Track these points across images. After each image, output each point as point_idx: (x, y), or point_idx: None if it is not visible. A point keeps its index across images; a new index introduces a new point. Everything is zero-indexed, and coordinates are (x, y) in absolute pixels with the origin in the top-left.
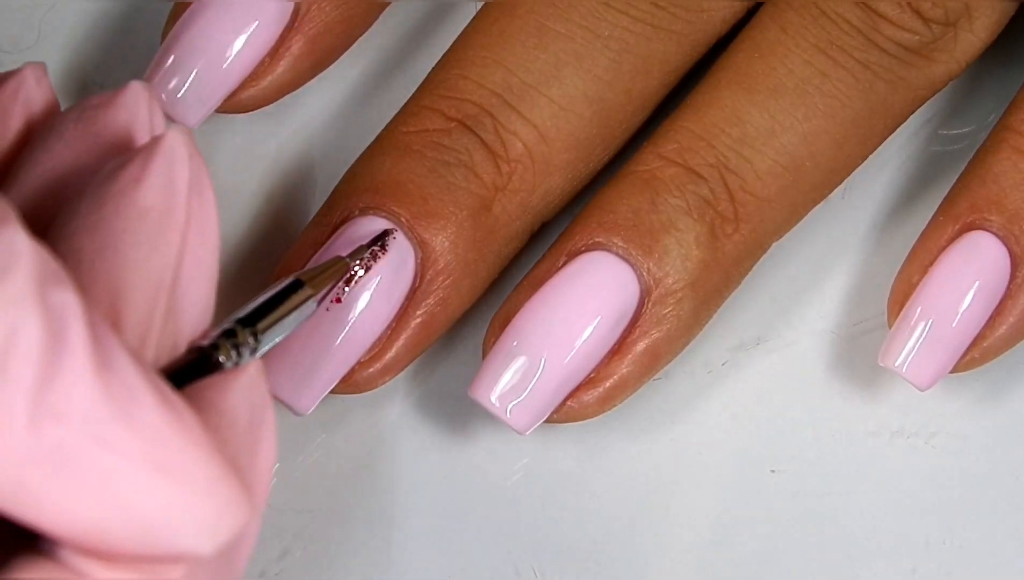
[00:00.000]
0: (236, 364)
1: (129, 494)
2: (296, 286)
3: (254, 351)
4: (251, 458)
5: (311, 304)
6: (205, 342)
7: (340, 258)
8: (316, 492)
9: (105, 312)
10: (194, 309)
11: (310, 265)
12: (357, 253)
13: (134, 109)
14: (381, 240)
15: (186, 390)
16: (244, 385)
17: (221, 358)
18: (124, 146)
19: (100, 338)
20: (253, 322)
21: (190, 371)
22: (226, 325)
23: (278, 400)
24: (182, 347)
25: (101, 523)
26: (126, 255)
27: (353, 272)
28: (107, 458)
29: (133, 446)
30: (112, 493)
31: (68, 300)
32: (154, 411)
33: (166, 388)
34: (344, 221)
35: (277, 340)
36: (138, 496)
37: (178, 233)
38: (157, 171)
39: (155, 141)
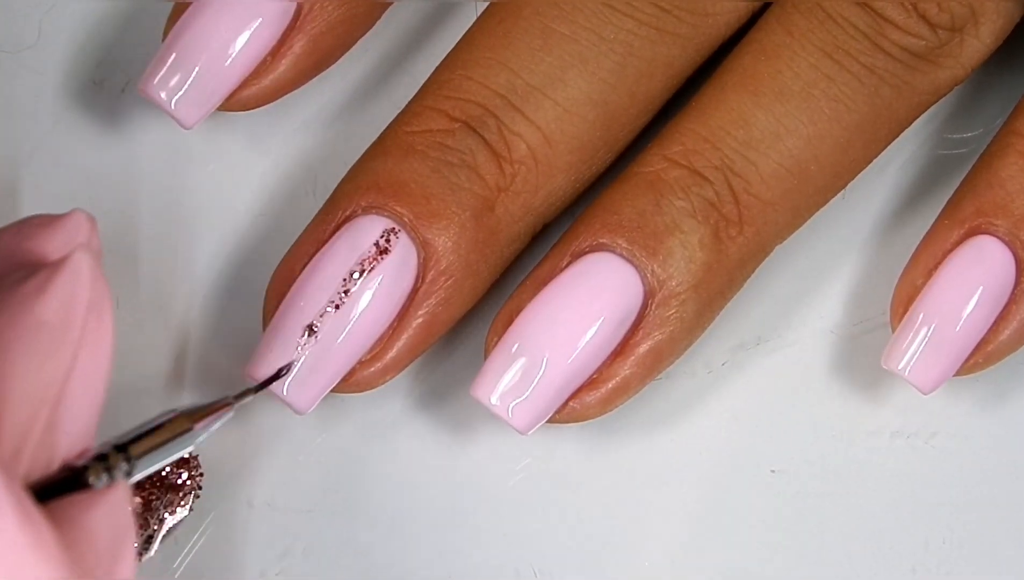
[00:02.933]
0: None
1: None
2: (178, 421)
3: (128, 476)
4: (107, 577)
5: (189, 438)
6: (80, 463)
7: (227, 400)
8: (316, 492)
9: None
10: (75, 427)
11: (195, 405)
12: (245, 394)
13: (73, 236)
14: (277, 378)
15: (53, 504)
16: (108, 506)
17: (91, 479)
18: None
19: None
20: (128, 448)
21: (61, 488)
22: (102, 448)
23: (279, 399)
24: (56, 463)
25: None
26: (15, 364)
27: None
28: None
29: None
30: None
31: None
32: (13, 525)
33: (28, 503)
34: (347, 220)
35: (152, 468)
36: None
37: (70, 350)
38: (59, 287)
39: (62, 259)
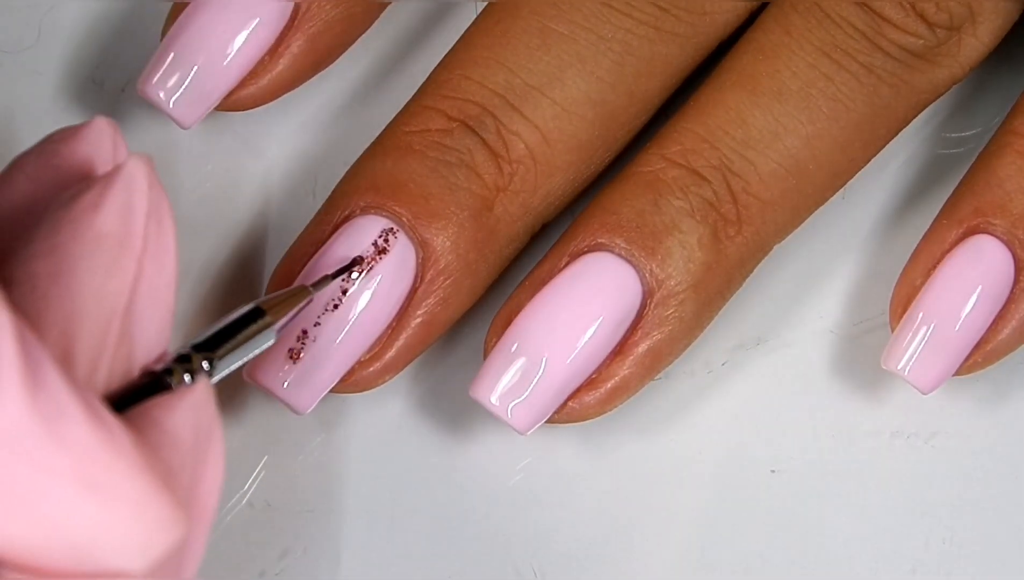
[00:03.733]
0: None
1: (60, 513)
2: (256, 314)
3: (209, 376)
4: (195, 477)
5: (270, 333)
6: (159, 366)
7: (303, 287)
8: (316, 492)
9: (59, 336)
10: (149, 335)
11: (272, 295)
12: (321, 282)
13: (97, 143)
14: (350, 269)
15: (133, 410)
16: (190, 405)
17: (173, 382)
18: (84, 178)
19: (31, 355)
20: (209, 348)
21: (143, 394)
22: (181, 350)
23: (278, 399)
24: (136, 371)
25: (34, 542)
26: (81, 280)
27: (310, 300)
28: (37, 477)
29: (63, 464)
30: (43, 512)
31: None
32: (84, 428)
33: (99, 405)
34: (345, 220)
35: (234, 367)
36: (69, 515)
37: (134, 260)
38: (115, 197)
39: (115, 169)
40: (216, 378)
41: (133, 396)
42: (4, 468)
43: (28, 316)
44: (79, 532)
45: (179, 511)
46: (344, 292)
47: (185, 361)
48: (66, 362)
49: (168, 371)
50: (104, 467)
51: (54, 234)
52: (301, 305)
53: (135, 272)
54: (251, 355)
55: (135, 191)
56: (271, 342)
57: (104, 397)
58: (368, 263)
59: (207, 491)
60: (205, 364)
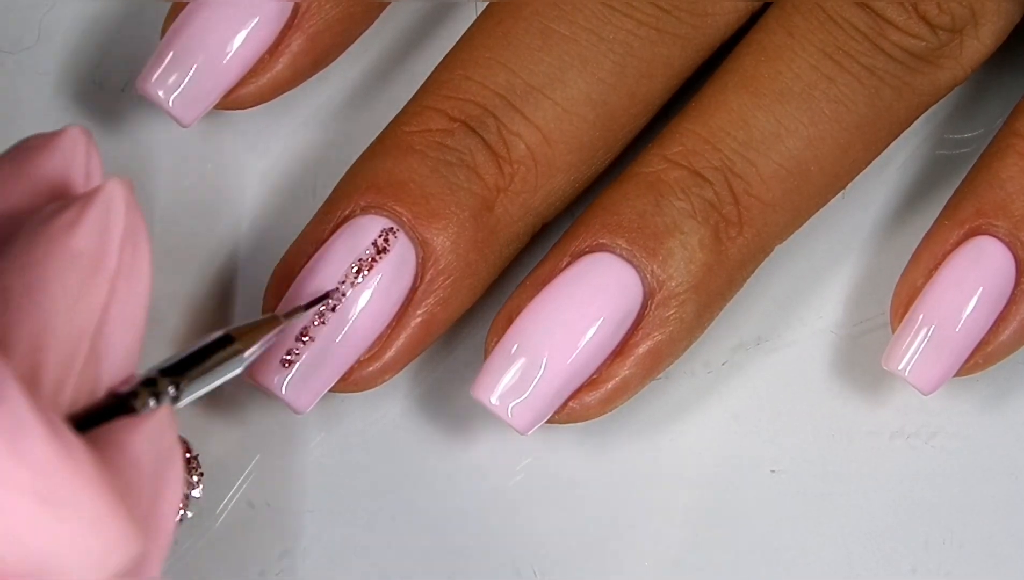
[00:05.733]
0: None
1: (17, 526)
2: (226, 341)
3: (175, 401)
4: (153, 500)
5: (239, 361)
6: (125, 389)
7: (275, 316)
8: (316, 492)
9: (27, 352)
10: (117, 356)
11: (244, 323)
12: (294, 313)
13: (71, 153)
14: (324, 300)
15: (96, 430)
16: (152, 429)
17: (138, 405)
18: (57, 189)
19: None
20: (176, 373)
21: (107, 415)
22: (149, 374)
23: (277, 398)
24: (101, 392)
25: None
26: (53, 298)
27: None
28: None
29: (21, 479)
30: (1, 525)
31: None
32: (43, 445)
33: (60, 423)
34: (346, 220)
35: (200, 393)
36: (27, 529)
37: (107, 281)
38: (93, 217)
39: (94, 190)
40: (181, 403)
41: (98, 416)
42: None
43: None
44: (37, 546)
45: (135, 530)
46: (343, 293)
47: (151, 385)
48: (32, 379)
49: (134, 394)
50: (63, 484)
51: (29, 250)
52: (272, 334)
53: (108, 294)
54: (218, 382)
55: (113, 213)
56: (239, 370)
57: (68, 416)
58: (368, 262)
59: (165, 513)
60: (171, 389)
